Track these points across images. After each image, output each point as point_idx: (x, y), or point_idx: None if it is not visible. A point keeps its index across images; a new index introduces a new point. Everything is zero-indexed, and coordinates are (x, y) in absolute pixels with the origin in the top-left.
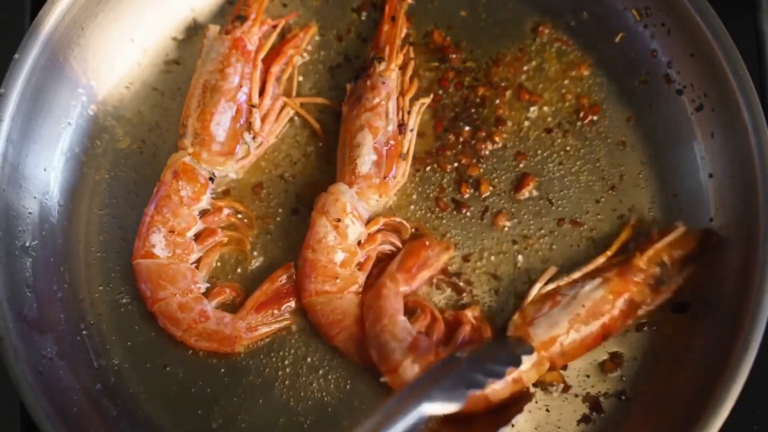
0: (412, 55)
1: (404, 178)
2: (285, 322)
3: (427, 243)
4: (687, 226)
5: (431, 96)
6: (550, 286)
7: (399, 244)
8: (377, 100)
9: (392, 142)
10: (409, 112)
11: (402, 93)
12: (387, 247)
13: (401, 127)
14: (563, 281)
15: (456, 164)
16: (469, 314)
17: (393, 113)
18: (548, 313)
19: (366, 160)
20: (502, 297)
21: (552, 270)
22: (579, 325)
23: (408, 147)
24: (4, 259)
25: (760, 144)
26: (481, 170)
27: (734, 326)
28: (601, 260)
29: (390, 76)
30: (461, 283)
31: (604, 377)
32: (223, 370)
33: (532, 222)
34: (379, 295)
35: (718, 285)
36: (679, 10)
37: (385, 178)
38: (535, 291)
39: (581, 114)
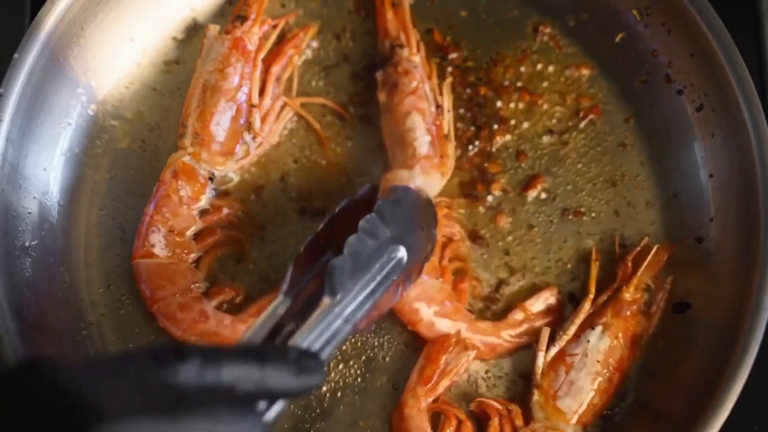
0: (418, 36)
1: (454, 158)
2: None
3: (444, 344)
4: (650, 240)
5: (450, 77)
6: (553, 350)
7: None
8: (415, 83)
9: (437, 122)
10: (441, 94)
11: (428, 75)
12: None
13: (438, 108)
14: (563, 340)
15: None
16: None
17: (430, 95)
18: (567, 379)
19: (423, 142)
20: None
21: (546, 331)
22: (601, 381)
23: (449, 127)
24: (3, 259)
25: (760, 144)
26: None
27: (734, 326)
28: (587, 306)
29: (416, 59)
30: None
31: None
32: None
33: (534, 222)
34: (402, 417)
35: (718, 285)
36: (680, 10)
37: (442, 157)
38: (540, 361)
39: (581, 114)
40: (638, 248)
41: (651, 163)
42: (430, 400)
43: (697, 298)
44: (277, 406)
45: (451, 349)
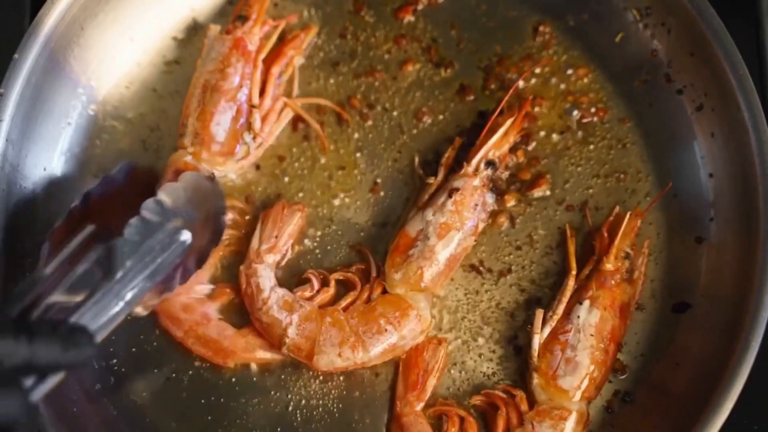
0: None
1: None
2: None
3: (419, 348)
4: (621, 209)
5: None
6: (546, 330)
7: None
8: (474, 217)
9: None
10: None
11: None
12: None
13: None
14: (553, 320)
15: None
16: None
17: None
18: (564, 357)
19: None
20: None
21: (540, 313)
22: (597, 354)
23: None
24: (3, 258)
25: (760, 144)
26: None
27: (734, 326)
28: (571, 282)
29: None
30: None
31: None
32: (233, 380)
33: (534, 221)
34: (402, 426)
35: (718, 285)
36: (679, 10)
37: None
38: (536, 344)
39: (581, 114)
40: (611, 218)
41: (651, 163)
42: (423, 402)
43: (697, 298)
44: (46, 385)
45: (426, 349)
